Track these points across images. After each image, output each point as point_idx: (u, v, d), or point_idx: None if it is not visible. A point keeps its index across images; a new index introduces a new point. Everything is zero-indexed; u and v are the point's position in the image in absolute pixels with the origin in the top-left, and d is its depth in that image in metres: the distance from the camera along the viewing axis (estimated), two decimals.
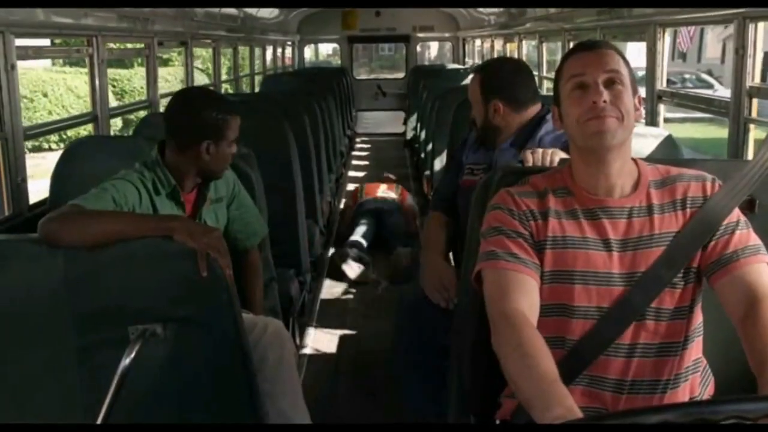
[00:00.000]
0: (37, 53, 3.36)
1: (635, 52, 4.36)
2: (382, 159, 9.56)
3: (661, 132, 2.65)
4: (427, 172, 5.35)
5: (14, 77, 2.72)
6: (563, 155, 1.88)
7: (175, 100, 2.22)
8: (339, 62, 12.14)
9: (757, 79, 2.69)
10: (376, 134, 11.68)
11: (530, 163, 1.94)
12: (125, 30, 3.83)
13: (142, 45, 4.37)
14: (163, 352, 1.73)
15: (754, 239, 1.47)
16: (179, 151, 2.16)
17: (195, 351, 1.76)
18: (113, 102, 11.80)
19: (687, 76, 17.90)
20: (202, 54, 6.25)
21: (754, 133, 2.74)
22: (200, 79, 6.66)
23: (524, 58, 7.14)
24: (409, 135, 9.57)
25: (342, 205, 6.15)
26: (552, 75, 1.66)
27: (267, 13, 8.05)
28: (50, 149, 11.00)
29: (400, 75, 12.13)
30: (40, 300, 1.72)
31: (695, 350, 1.53)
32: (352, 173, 8.52)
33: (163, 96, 5.10)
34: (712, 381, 1.59)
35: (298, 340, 3.64)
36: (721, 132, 11.69)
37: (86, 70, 3.58)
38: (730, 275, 1.42)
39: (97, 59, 3.49)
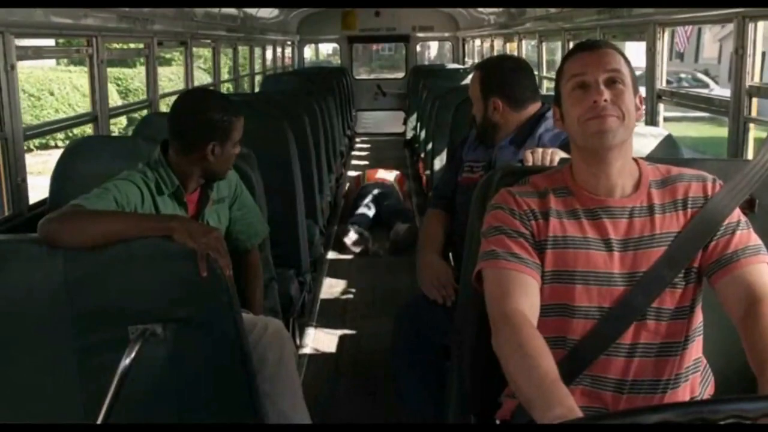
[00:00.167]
0: (36, 53, 3.36)
1: (633, 52, 4.36)
2: (381, 159, 9.55)
3: (660, 131, 2.65)
4: (427, 172, 5.35)
5: (14, 77, 2.72)
6: (563, 155, 1.88)
7: (180, 102, 2.22)
8: (339, 62, 12.14)
9: (757, 79, 2.69)
10: (375, 134, 11.68)
11: (530, 163, 1.94)
12: (125, 30, 3.82)
13: (142, 45, 4.37)
14: (163, 353, 1.73)
15: (755, 239, 1.47)
16: (184, 152, 2.15)
17: (195, 351, 1.76)
18: (118, 101, 11.99)
19: (683, 75, 17.96)
20: (204, 54, 6.25)
21: (753, 133, 2.74)
22: (203, 78, 6.68)
23: (524, 58, 7.15)
24: (409, 135, 9.58)
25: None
26: (552, 75, 1.66)
27: (267, 13, 8.04)
28: (56, 147, 11.05)
29: (400, 75, 12.13)
30: (40, 300, 1.72)
31: (695, 350, 1.53)
32: (352, 173, 8.53)
33: (167, 95, 5.11)
34: (712, 381, 1.59)
35: (298, 340, 3.64)
36: (716, 131, 11.74)
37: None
38: (731, 275, 1.43)
39: (97, 59, 3.49)
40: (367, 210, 5.91)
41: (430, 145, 5.25)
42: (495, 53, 8.59)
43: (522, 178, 1.62)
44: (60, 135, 9.75)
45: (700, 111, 3.37)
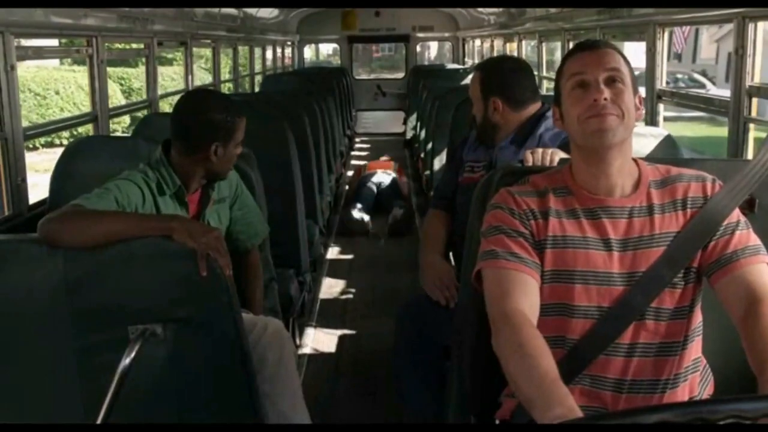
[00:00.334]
0: (36, 53, 3.36)
1: (632, 53, 4.36)
2: None
3: (660, 132, 2.65)
4: (427, 172, 5.36)
5: (14, 78, 2.72)
6: (563, 155, 1.88)
7: (183, 102, 2.21)
8: (339, 62, 12.14)
9: (757, 79, 2.69)
10: (375, 134, 11.68)
11: (530, 163, 1.95)
12: (125, 30, 3.83)
13: (142, 45, 4.38)
14: (163, 352, 1.73)
15: (754, 239, 1.47)
16: (187, 153, 2.15)
17: (195, 351, 1.76)
18: (122, 100, 12.18)
19: (679, 76, 18.02)
20: (206, 54, 6.27)
21: (752, 134, 2.74)
22: (205, 78, 6.70)
23: (524, 58, 7.15)
24: (409, 135, 9.58)
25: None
26: (552, 75, 1.67)
27: (267, 13, 8.05)
28: (61, 145, 11.09)
29: (400, 75, 12.13)
30: (40, 300, 1.72)
31: (695, 350, 1.53)
32: (352, 173, 8.58)
33: (167, 95, 5.10)
34: (712, 381, 1.59)
35: (297, 340, 3.64)
36: (711, 130, 11.77)
37: None
38: (731, 275, 1.43)
39: (97, 59, 3.49)
40: (368, 195, 6.48)
41: (430, 145, 5.25)
42: (495, 53, 8.59)
43: (522, 178, 1.62)
44: (65, 134, 9.80)
45: (699, 111, 3.38)
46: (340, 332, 4.00)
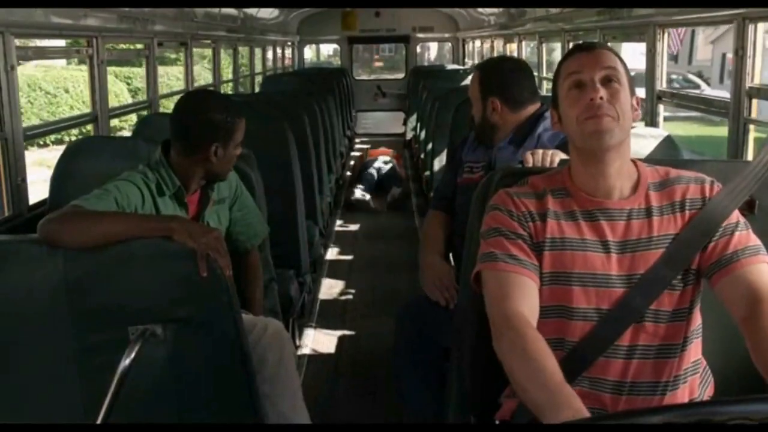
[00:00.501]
0: (36, 54, 3.36)
1: (629, 54, 4.37)
2: None
3: (660, 132, 2.65)
4: (427, 173, 5.36)
5: (14, 78, 2.72)
6: (563, 156, 1.88)
7: (183, 103, 2.21)
8: (339, 62, 12.14)
9: (757, 80, 2.69)
10: (375, 135, 11.68)
11: (530, 164, 1.95)
12: (125, 31, 3.83)
13: (142, 46, 4.37)
14: (163, 353, 1.73)
15: (754, 240, 1.47)
16: (186, 153, 2.15)
17: (195, 351, 1.76)
18: (129, 99, 12.42)
19: (674, 76, 18.07)
20: (208, 54, 6.31)
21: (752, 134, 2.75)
22: (209, 78, 6.74)
23: (524, 59, 7.15)
24: (409, 135, 9.58)
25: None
26: (552, 75, 1.67)
27: (267, 13, 8.05)
28: (70, 142, 11.16)
29: (400, 75, 12.13)
30: (40, 300, 1.72)
31: (694, 352, 1.53)
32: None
33: (171, 95, 5.09)
34: (712, 382, 1.59)
35: (297, 341, 3.64)
36: (703, 130, 11.81)
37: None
38: (731, 275, 1.42)
39: (97, 60, 3.49)
40: (370, 177, 7.41)
41: (430, 146, 5.26)
42: (495, 54, 8.60)
43: (522, 179, 1.62)
44: (74, 131, 9.87)
45: (692, 111, 3.38)
46: (339, 333, 4.00)
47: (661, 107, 3.54)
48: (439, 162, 4.68)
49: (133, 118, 10.39)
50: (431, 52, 15.76)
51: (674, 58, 21.37)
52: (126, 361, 1.64)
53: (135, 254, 1.73)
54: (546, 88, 5.80)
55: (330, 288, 4.78)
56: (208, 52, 6.31)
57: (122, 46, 4.61)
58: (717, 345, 1.61)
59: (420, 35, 11.68)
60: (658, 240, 1.48)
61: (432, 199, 2.74)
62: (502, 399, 1.63)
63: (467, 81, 4.75)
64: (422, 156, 6.33)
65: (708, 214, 1.48)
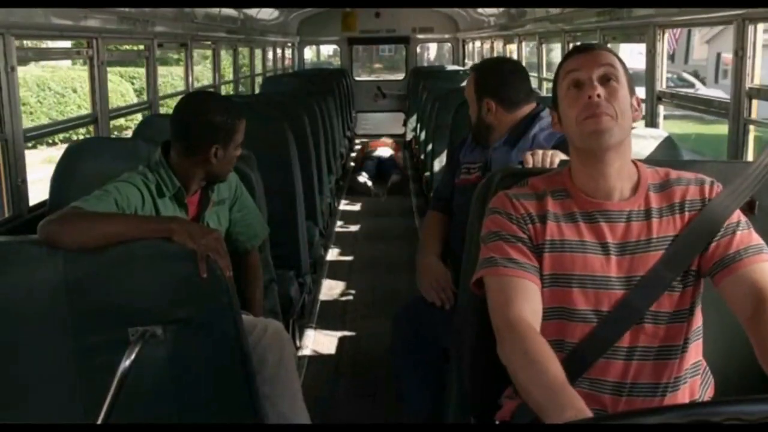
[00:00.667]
0: (37, 54, 3.37)
1: (626, 54, 4.38)
2: None
3: (660, 133, 2.65)
4: (427, 173, 5.36)
5: (14, 79, 2.72)
6: (563, 157, 1.88)
7: (183, 104, 2.21)
8: (339, 63, 12.14)
9: (757, 81, 2.69)
10: (375, 135, 11.67)
11: (530, 165, 1.95)
12: (125, 32, 3.83)
13: (143, 47, 4.38)
14: (163, 354, 1.73)
15: (756, 239, 1.46)
16: (187, 154, 2.14)
17: (195, 352, 1.76)
18: (135, 99, 12.59)
19: (668, 75, 18.12)
20: (210, 54, 6.34)
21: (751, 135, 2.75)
22: (210, 78, 6.77)
23: (524, 60, 7.15)
24: (409, 136, 9.59)
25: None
26: (552, 76, 1.67)
27: (267, 14, 8.05)
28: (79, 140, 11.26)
29: (400, 76, 12.13)
30: (40, 301, 1.72)
31: (694, 353, 1.53)
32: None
33: (171, 95, 5.09)
34: (713, 383, 1.59)
35: (297, 342, 3.64)
36: (701, 128, 11.83)
37: (111, 67, 3.59)
38: (735, 274, 1.42)
39: (97, 61, 3.49)
40: (371, 166, 8.21)
41: (430, 147, 5.25)
42: (495, 55, 8.60)
43: (522, 180, 1.62)
44: (82, 130, 9.94)
45: (699, 112, 3.38)
46: (340, 334, 4.00)
47: (661, 108, 3.54)
48: (439, 163, 4.68)
49: (138, 117, 10.48)
50: (430, 52, 15.76)
51: (671, 57, 21.44)
52: (126, 362, 1.64)
53: (135, 255, 1.73)
54: (546, 88, 5.80)
55: (330, 289, 4.78)
56: (210, 52, 6.31)
57: (127, 47, 4.60)
58: (717, 345, 1.61)
59: (420, 36, 11.68)
60: (658, 241, 1.48)
61: (431, 199, 2.74)
62: (503, 399, 1.63)
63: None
64: (422, 157, 6.33)
65: (708, 215, 1.48)
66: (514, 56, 7.23)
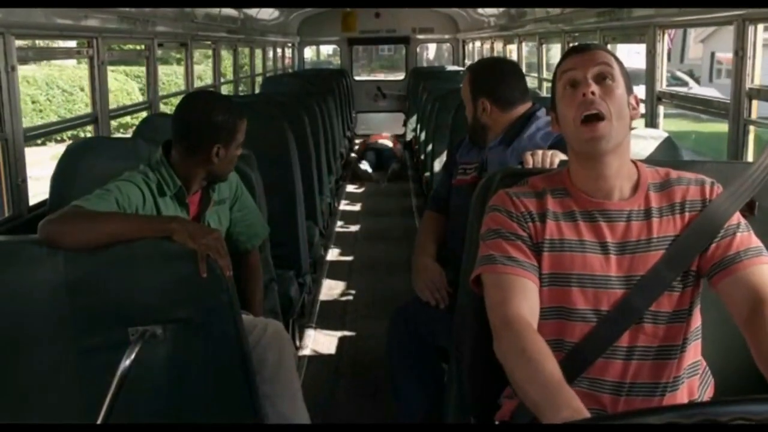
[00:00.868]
0: (37, 54, 3.36)
1: (624, 53, 4.38)
2: None
3: (660, 133, 2.65)
4: (427, 174, 5.36)
5: (14, 78, 2.72)
6: (563, 157, 1.89)
7: (185, 104, 2.21)
8: (339, 62, 12.14)
9: (757, 81, 2.69)
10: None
11: (530, 165, 1.95)
12: (125, 31, 3.83)
13: (143, 46, 4.38)
14: (163, 353, 1.73)
15: (756, 241, 1.47)
16: (188, 154, 2.14)
17: (195, 352, 1.76)
18: (140, 97, 12.61)
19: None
20: (211, 54, 6.37)
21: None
22: (210, 77, 6.78)
23: (524, 60, 7.16)
24: (409, 136, 9.61)
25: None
26: (551, 76, 1.67)
27: (267, 14, 8.05)
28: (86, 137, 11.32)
29: (400, 76, 12.12)
30: (41, 301, 1.72)
31: (694, 353, 1.53)
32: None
33: (172, 95, 5.08)
34: (712, 383, 1.59)
35: (297, 342, 3.64)
36: (698, 126, 11.86)
37: (116, 66, 3.59)
38: (733, 276, 1.42)
39: (97, 60, 3.49)
40: (372, 156, 8.98)
41: (429, 147, 5.26)
42: (495, 55, 8.60)
43: (522, 180, 1.62)
44: (89, 127, 9.97)
45: (698, 113, 3.38)
46: (339, 334, 4.00)
47: (661, 108, 3.54)
48: (439, 163, 4.68)
49: (143, 115, 10.49)
50: (429, 52, 15.74)
51: (667, 56, 21.51)
52: (126, 362, 1.64)
53: (135, 255, 1.73)
54: (546, 88, 5.80)
55: (330, 289, 4.78)
56: (210, 52, 6.32)
57: (130, 47, 4.60)
58: (717, 346, 1.61)
59: (420, 36, 11.67)
60: (658, 241, 1.48)
61: (429, 200, 2.75)
62: (502, 399, 1.63)
63: None
64: (422, 157, 6.33)
65: (709, 216, 1.48)
66: (514, 57, 7.24)
